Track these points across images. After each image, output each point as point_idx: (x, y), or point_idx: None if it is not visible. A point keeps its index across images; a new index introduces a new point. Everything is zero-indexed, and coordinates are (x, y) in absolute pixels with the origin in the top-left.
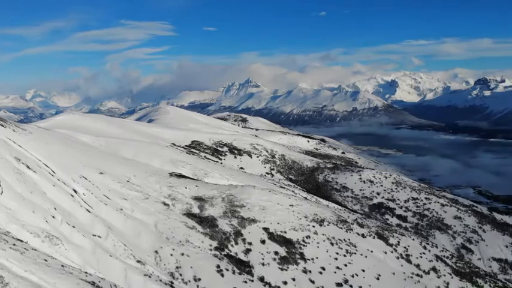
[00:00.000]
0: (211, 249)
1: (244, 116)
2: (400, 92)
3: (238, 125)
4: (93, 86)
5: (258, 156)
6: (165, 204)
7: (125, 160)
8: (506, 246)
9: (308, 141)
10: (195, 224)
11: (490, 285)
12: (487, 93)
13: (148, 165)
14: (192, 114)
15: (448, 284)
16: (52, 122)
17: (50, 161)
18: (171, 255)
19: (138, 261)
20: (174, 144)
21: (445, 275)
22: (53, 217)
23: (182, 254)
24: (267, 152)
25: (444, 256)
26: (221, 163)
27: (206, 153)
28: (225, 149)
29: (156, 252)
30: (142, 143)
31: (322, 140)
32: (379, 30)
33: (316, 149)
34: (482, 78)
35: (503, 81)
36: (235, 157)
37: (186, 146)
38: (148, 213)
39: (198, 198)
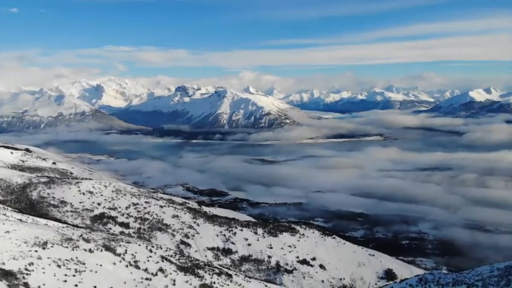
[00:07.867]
0: None
1: None
2: (106, 97)
3: None
4: None
5: None
6: None
7: None
8: (217, 235)
9: (12, 152)
10: None
11: (209, 274)
12: (187, 99)
13: None
14: None
15: (174, 281)
16: None
17: None
18: None
19: None
20: None
21: (171, 273)
22: None
23: None
24: None
25: (168, 255)
26: None
27: None
28: None
29: None
30: None
31: (28, 150)
32: (80, 33)
33: (23, 161)
34: (181, 86)
35: (199, 88)
36: None
37: None
38: None
39: None
